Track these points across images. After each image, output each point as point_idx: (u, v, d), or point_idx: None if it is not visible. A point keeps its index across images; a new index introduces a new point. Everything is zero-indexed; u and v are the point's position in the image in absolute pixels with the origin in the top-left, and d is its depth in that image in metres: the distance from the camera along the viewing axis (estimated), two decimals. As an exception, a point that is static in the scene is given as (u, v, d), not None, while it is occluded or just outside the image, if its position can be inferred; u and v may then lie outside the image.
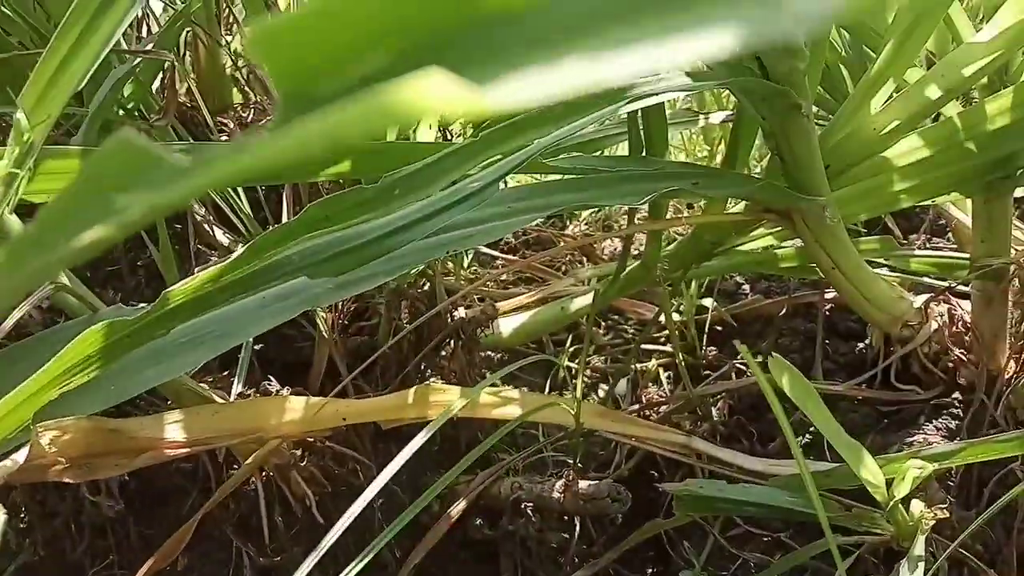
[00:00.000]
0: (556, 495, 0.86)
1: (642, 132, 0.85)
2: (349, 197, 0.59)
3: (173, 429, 0.61)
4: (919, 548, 0.65)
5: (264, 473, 0.73)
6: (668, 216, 1.03)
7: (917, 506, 0.73)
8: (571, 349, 1.17)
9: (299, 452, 0.75)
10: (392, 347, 0.89)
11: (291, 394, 0.80)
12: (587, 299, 1.05)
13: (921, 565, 0.63)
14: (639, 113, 0.84)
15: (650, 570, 1.04)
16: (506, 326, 1.06)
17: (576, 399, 0.86)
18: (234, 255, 0.54)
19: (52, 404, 0.53)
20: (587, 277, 1.16)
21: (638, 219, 0.96)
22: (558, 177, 0.74)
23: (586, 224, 1.63)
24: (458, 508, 0.90)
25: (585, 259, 1.41)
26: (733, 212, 0.88)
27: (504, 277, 1.38)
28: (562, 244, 1.30)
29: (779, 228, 0.95)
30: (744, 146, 0.90)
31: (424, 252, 0.64)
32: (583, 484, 0.86)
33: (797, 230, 0.87)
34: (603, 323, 1.35)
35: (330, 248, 0.59)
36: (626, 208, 1.65)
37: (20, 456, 0.45)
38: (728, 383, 1.04)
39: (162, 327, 0.53)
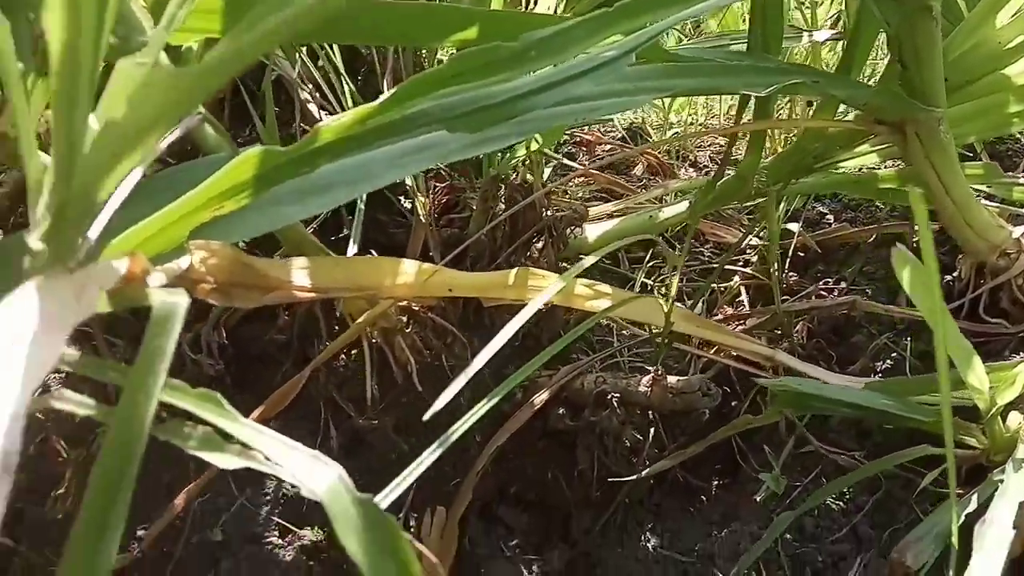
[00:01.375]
0: (643, 388, 0.87)
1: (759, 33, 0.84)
2: (486, 54, 0.59)
3: (298, 274, 0.63)
4: (1022, 452, 0.65)
5: (370, 337, 0.75)
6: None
7: (1015, 419, 0.73)
8: (649, 265, 1.17)
9: (404, 319, 0.77)
10: (486, 236, 0.90)
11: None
12: (677, 209, 1.05)
13: (1024, 466, 0.63)
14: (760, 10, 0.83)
15: (716, 481, 1.05)
16: (592, 231, 1.06)
17: (670, 298, 0.87)
18: (382, 98, 0.55)
19: (203, 227, 0.55)
20: (675, 190, 1.16)
21: (744, 121, 0.95)
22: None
23: (664, 153, 1.61)
24: (541, 397, 0.92)
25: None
26: (844, 119, 0.86)
27: (581, 195, 1.38)
28: (649, 145, 1.29)
29: (885, 145, 0.93)
30: (860, 56, 0.88)
31: (554, 118, 0.64)
32: (672, 379, 0.87)
33: (908, 144, 0.86)
34: (678, 245, 1.35)
35: (468, 104, 0.59)
36: (703, 139, 1.63)
37: (183, 262, 0.47)
38: (814, 302, 1.03)
39: (310, 164, 0.55)
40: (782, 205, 1.16)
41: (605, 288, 0.90)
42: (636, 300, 0.85)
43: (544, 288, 0.84)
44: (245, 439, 0.42)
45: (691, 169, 1.61)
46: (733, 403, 1.08)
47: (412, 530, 0.97)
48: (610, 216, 1.11)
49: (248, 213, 0.55)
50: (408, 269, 0.71)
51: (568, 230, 0.99)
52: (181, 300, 0.40)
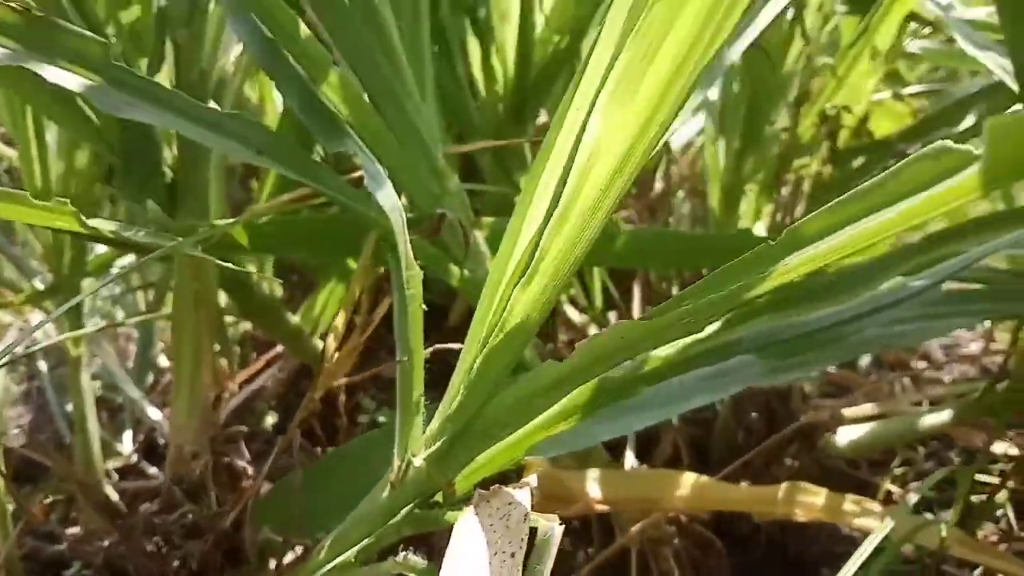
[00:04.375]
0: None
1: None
2: (806, 284, 0.60)
3: (593, 486, 0.64)
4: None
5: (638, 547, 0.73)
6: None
7: None
8: (897, 471, 1.10)
9: (672, 529, 0.75)
10: (742, 437, 0.88)
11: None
12: (939, 417, 0.99)
13: None
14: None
15: None
16: (843, 436, 1.01)
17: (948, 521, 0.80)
18: (709, 329, 0.56)
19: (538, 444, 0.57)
20: (932, 397, 1.09)
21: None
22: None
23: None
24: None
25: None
26: None
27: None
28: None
29: None
30: None
31: (864, 345, 0.63)
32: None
33: None
34: (922, 448, 1.26)
35: (784, 332, 0.60)
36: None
37: (533, 480, 0.48)
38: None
39: (635, 390, 0.56)
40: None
41: (874, 506, 0.84)
42: (917, 525, 0.80)
43: (813, 504, 0.81)
44: None
45: (922, 362, 1.51)
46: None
47: None
48: (865, 419, 1.05)
49: (580, 431, 0.56)
50: (686, 482, 0.70)
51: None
52: (557, 527, 0.41)
